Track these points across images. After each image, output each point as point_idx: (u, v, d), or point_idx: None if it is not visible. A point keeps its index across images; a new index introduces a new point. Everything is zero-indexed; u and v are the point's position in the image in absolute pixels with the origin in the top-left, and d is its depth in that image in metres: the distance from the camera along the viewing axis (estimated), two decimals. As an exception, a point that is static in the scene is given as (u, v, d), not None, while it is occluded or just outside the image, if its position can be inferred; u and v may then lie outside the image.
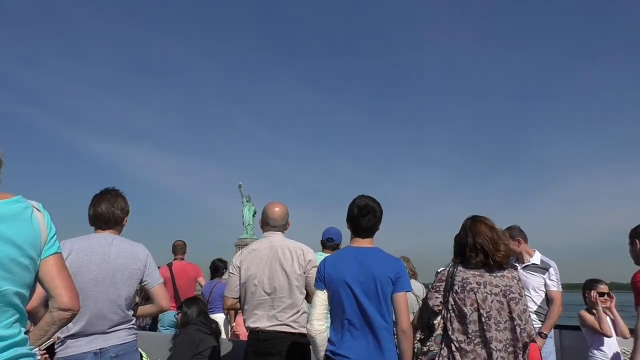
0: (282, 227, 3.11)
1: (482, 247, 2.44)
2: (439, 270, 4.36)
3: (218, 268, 6.19)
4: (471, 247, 2.48)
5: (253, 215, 27.61)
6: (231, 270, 3.06)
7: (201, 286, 6.15)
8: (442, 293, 2.50)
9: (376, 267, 2.46)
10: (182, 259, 6.14)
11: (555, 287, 3.83)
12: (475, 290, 2.40)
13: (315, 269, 2.75)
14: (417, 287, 4.68)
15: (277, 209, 3.11)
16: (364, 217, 2.59)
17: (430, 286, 2.66)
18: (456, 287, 2.44)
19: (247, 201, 28.61)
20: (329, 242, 4.34)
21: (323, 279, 2.54)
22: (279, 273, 2.90)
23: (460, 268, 2.48)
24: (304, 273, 2.92)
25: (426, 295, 2.61)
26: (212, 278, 6.23)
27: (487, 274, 2.43)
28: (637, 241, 3.07)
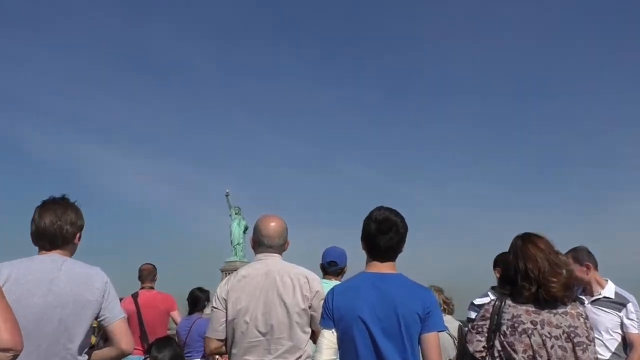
0: (280, 247, 3.08)
1: (533, 274, 2.42)
2: (475, 302, 4.29)
3: (198, 300, 6.10)
4: (523, 275, 2.44)
5: (244, 232, 26.44)
6: (215, 304, 3.00)
7: (176, 323, 6.08)
8: (486, 335, 2.45)
9: (400, 300, 2.44)
10: (152, 287, 6.06)
11: (636, 328, 3.85)
12: (530, 332, 2.33)
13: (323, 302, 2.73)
14: (453, 325, 4.61)
15: (272, 224, 3.08)
16: (384, 234, 2.56)
17: (470, 326, 2.62)
18: (504, 328, 2.39)
19: (236, 213, 26.96)
20: (331, 267, 4.29)
21: (331, 315, 2.53)
22: (277, 307, 2.86)
23: (509, 302, 2.46)
24: (309, 307, 2.88)
25: (465, 338, 2.59)
26: (190, 313, 6.16)
27: (545, 310, 2.40)
28: None
